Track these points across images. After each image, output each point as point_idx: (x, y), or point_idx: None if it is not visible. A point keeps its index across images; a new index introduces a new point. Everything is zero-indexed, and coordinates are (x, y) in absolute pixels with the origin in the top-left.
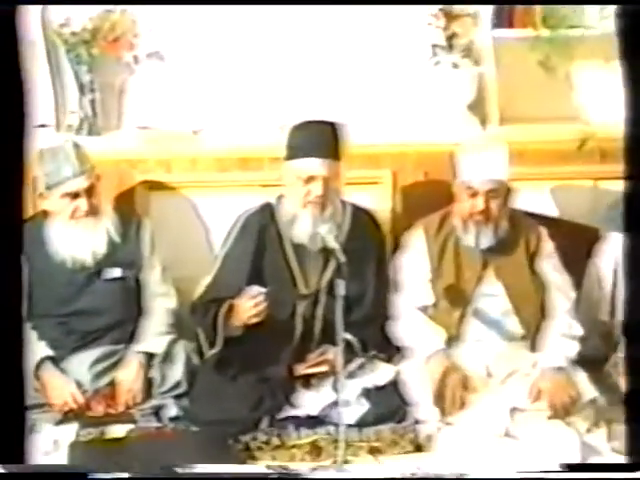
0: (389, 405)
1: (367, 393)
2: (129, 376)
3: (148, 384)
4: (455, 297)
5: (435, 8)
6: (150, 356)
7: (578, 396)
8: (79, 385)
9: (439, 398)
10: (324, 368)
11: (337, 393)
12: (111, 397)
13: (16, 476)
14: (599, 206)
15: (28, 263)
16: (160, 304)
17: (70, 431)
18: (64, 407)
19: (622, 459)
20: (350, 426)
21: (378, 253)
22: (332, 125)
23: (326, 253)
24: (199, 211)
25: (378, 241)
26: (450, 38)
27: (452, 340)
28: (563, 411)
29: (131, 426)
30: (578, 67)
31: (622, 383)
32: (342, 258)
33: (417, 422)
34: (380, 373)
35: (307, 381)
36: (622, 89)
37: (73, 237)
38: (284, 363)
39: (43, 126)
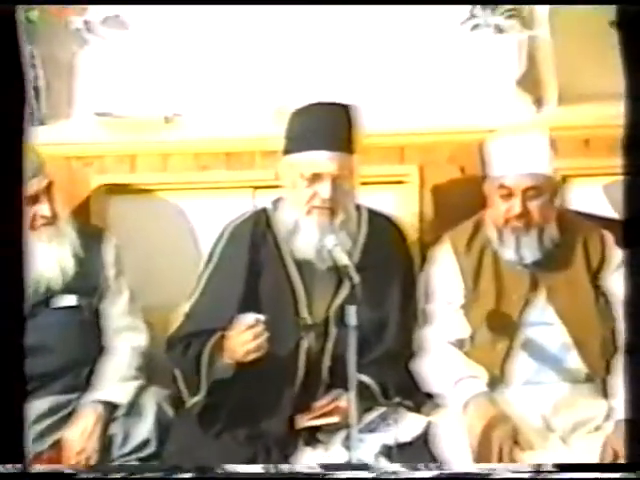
0: None
1: (388, 451)
2: (82, 433)
3: (107, 443)
4: (497, 327)
5: None
6: (111, 407)
7: None
8: None
9: (482, 456)
10: (334, 419)
11: (350, 451)
12: (57, 460)
13: (16, 476)
14: None
15: None
16: (126, 341)
17: None
18: None
19: None
20: None
21: (403, 272)
22: (343, 108)
23: (337, 272)
24: (175, 221)
25: (403, 257)
26: None
27: (496, 382)
28: None
29: None
30: None
31: None
32: (356, 279)
33: None
34: (405, 425)
35: (312, 436)
36: (623, 89)
37: (37, 252)
38: (284, 413)
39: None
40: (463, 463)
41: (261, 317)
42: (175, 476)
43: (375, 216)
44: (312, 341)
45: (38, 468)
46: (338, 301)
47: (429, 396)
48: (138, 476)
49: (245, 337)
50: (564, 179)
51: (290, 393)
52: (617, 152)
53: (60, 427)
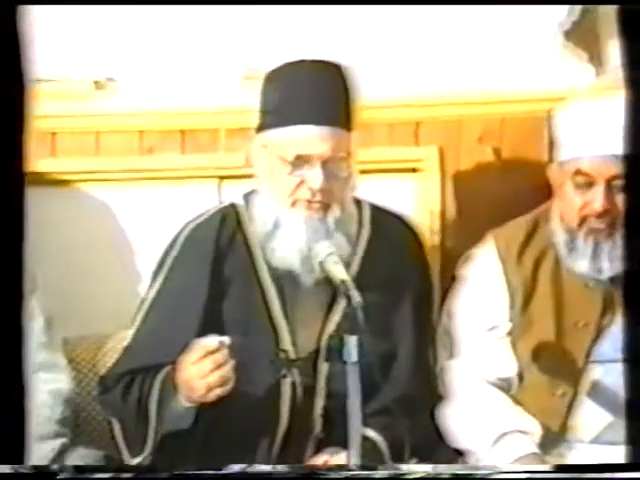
0: None
1: None
2: None
3: None
4: (556, 363)
5: None
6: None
7: None
8: None
9: None
10: None
11: None
12: None
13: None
14: None
15: None
16: (42, 383)
17: None
18: None
19: None
20: None
21: (418, 288)
22: (336, 69)
23: (330, 288)
24: (110, 223)
25: (418, 268)
26: None
27: (553, 439)
28: None
29: None
30: None
31: None
32: (357, 297)
33: None
34: None
35: None
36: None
37: None
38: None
39: None
40: None
41: (225, 339)
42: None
43: (381, 214)
44: (297, 380)
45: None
46: (331, 327)
47: (459, 454)
48: (140, 476)
49: (204, 367)
50: None
51: (269, 449)
52: None
53: None
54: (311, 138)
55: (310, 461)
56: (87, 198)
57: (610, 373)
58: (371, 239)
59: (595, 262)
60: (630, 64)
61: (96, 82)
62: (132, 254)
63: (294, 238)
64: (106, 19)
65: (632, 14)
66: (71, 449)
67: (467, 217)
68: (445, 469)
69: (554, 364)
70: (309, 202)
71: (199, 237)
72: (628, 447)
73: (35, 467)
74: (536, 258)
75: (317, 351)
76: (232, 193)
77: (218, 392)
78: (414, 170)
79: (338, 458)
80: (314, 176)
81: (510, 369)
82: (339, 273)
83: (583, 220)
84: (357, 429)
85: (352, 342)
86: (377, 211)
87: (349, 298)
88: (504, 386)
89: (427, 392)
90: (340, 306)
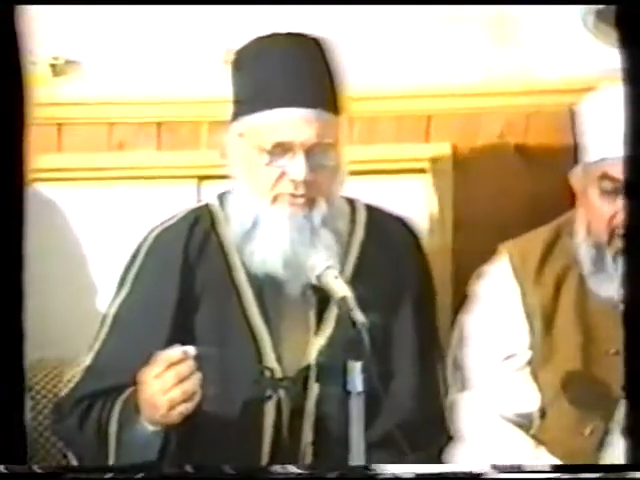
0: None
1: None
2: None
3: None
4: (585, 397)
5: None
6: None
7: None
8: None
9: None
10: None
11: None
12: None
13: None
14: None
15: None
16: None
17: None
18: None
19: None
20: None
21: (422, 305)
22: (315, 44)
23: (320, 298)
24: (69, 228)
25: (420, 277)
26: None
27: None
28: None
29: None
30: None
31: None
32: (360, 318)
33: None
34: None
35: None
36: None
37: None
38: None
39: None
40: None
41: (190, 349)
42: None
43: (378, 217)
44: (283, 403)
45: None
46: (321, 341)
47: None
48: (139, 476)
49: (167, 380)
50: None
51: None
52: None
53: None
54: (291, 123)
55: None
56: (45, 201)
57: None
58: (366, 243)
59: None
60: (630, 65)
61: (54, 65)
62: (97, 265)
63: (276, 238)
64: None
65: (632, 14)
66: None
67: (484, 225)
68: (445, 469)
69: (582, 397)
70: (292, 196)
71: (165, 243)
72: (628, 447)
73: (41, 467)
74: (558, 276)
75: (306, 369)
76: (206, 193)
77: (182, 409)
78: (423, 170)
79: None
80: (296, 166)
81: (531, 403)
82: (340, 289)
83: (612, 232)
84: (358, 463)
85: (356, 369)
86: (373, 212)
87: (351, 318)
88: (524, 423)
89: (437, 427)
90: (332, 317)
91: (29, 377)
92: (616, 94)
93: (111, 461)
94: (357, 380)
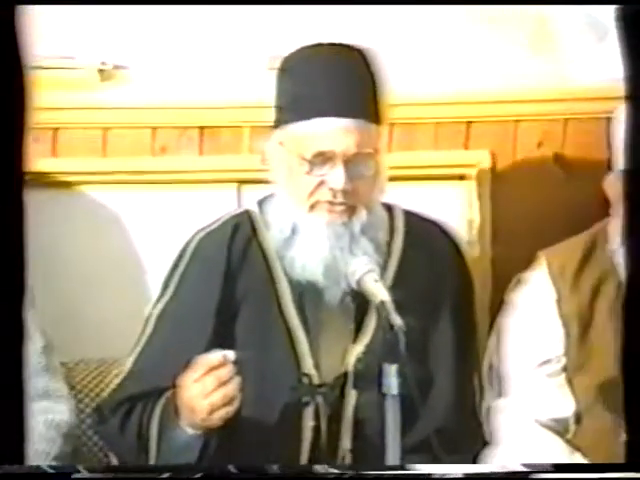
0: None
1: None
2: None
3: None
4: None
5: None
6: None
7: None
8: None
9: None
10: None
11: None
12: None
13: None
14: None
15: None
16: (39, 413)
17: None
18: None
19: None
20: None
21: (460, 307)
22: (360, 55)
23: (358, 303)
24: (114, 231)
25: (461, 283)
26: None
27: None
28: None
29: None
30: None
31: None
32: (398, 321)
33: None
34: None
35: None
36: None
37: None
38: None
39: None
40: None
41: (230, 354)
42: (180, 477)
43: (417, 223)
44: (322, 409)
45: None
46: (359, 349)
47: None
48: (140, 476)
49: (207, 384)
50: None
51: None
52: None
53: None
54: (332, 132)
55: None
56: (92, 203)
57: None
58: (405, 249)
59: None
60: (630, 66)
61: (102, 70)
62: (142, 267)
63: (315, 245)
64: None
65: (632, 14)
66: None
67: (521, 233)
68: (448, 469)
69: (618, 403)
70: (331, 204)
71: (209, 248)
72: (628, 447)
73: (51, 467)
74: (594, 283)
75: (344, 376)
76: (247, 199)
77: (222, 413)
78: (462, 177)
79: None
80: (336, 175)
81: (566, 409)
82: (379, 293)
83: None
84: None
85: (392, 372)
86: (412, 218)
87: (389, 321)
88: (559, 429)
89: (467, 432)
90: (371, 325)
91: (71, 376)
92: None
93: (152, 463)
94: (393, 383)
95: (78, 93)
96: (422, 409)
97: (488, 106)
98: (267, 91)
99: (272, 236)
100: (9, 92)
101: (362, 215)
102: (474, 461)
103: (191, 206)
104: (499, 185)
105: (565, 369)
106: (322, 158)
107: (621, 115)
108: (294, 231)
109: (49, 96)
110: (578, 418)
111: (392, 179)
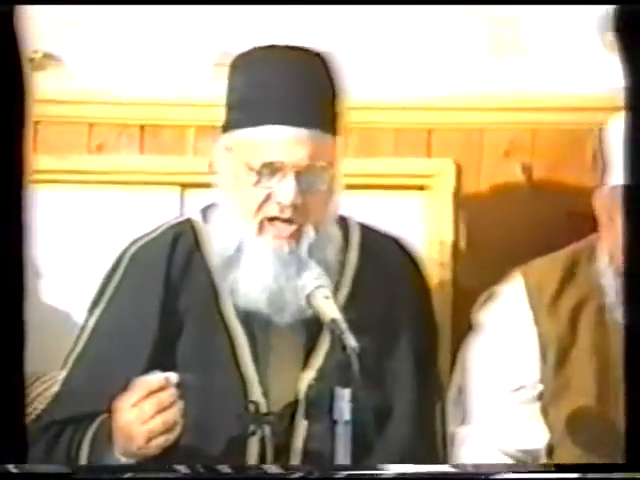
0: None
1: None
2: None
3: None
4: (598, 435)
5: None
6: None
7: None
8: None
9: None
10: None
11: None
12: None
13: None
14: None
15: None
16: None
17: None
18: None
19: None
20: None
21: (419, 328)
22: (318, 59)
23: (311, 329)
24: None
25: (419, 303)
26: None
27: None
28: None
29: None
30: None
31: None
32: (351, 341)
33: None
34: None
35: None
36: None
37: None
38: None
39: None
40: None
41: (172, 376)
42: (176, 476)
43: (374, 238)
44: (268, 439)
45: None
46: (311, 374)
47: None
48: (141, 476)
49: (146, 409)
50: None
51: None
52: None
53: None
54: (283, 142)
55: None
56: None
57: None
58: (360, 266)
59: None
60: (630, 67)
61: (31, 59)
62: (73, 274)
63: (259, 273)
64: None
65: (632, 14)
66: None
67: (486, 250)
68: (446, 469)
69: (594, 436)
70: (280, 221)
71: (147, 258)
72: (628, 447)
73: (51, 467)
74: (575, 304)
75: (294, 404)
76: (190, 207)
77: (161, 441)
78: (422, 187)
79: None
80: (285, 189)
81: (538, 440)
82: (329, 310)
83: None
84: None
85: (345, 396)
86: (368, 232)
87: (341, 342)
88: (528, 461)
89: (431, 461)
90: (323, 348)
91: None
92: None
93: None
94: (345, 408)
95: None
96: (377, 438)
97: (452, 113)
98: (214, 88)
99: (215, 254)
100: (9, 91)
101: (310, 236)
102: None
103: (129, 210)
104: (462, 197)
105: (540, 397)
106: (271, 169)
107: (615, 126)
108: (239, 250)
109: None
110: (550, 450)
111: (348, 187)
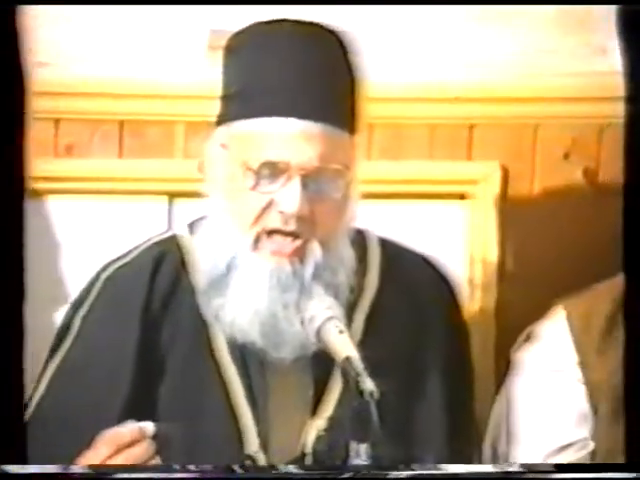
0: None
1: None
2: None
3: None
4: None
5: None
6: None
7: None
8: None
9: None
10: None
11: None
12: None
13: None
14: None
15: None
16: None
17: None
18: None
19: None
20: None
21: (452, 374)
22: (333, 37)
23: (320, 365)
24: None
25: (453, 342)
26: None
27: None
28: None
29: None
30: None
31: None
32: (369, 385)
33: None
34: None
35: None
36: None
37: None
38: None
39: None
40: None
41: (148, 426)
42: (179, 476)
43: (398, 256)
44: None
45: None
46: (320, 423)
47: None
48: (142, 476)
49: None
50: None
51: None
52: None
53: None
54: (288, 138)
55: None
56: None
57: None
58: (380, 292)
59: None
60: (630, 68)
61: None
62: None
63: (250, 296)
64: None
65: (632, 14)
66: None
67: (538, 272)
68: (451, 469)
69: None
70: (283, 235)
71: (125, 283)
72: (628, 447)
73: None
74: None
75: (301, 458)
76: (177, 220)
77: None
78: (462, 196)
79: None
80: (289, 195)
81: None
82: (344, 347)
83: None
84: None
85: (362, 453)
86: (391, 250)
87: (357, 385)
88: None
89: None
90: (335, 392)
91: None
92: None
93: None
94: (362, 467)
95: None
96: None
97: (499, 105)
98: (207, 76)
99: (202, 271)
100: (9, 93)
101: (317, 254)
102: None
103: (106, 225)
104: (511, 208)
105: (593, 457)
106: (272, 170)
107: None
108: (229, 268)
109: None
110: None
111: (370, 196)
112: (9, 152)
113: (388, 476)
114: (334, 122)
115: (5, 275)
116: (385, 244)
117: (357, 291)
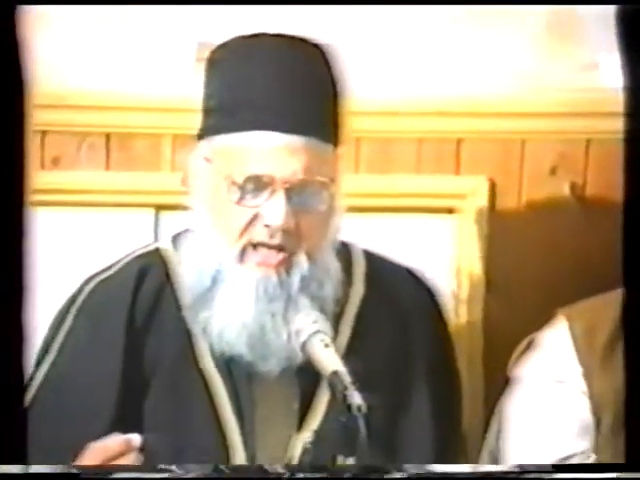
0: None
1: None
2: None
3: None
4: None
5: None
6: None
7: None
8: None
9: None
10: None
11: None
12: None
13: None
14: None
15: None
16: None
17: None
18: None
19: None
20: None
21: (440, 388)
22: (316, 51)
23: (307, 378)
24: None
25: (440, 357)
26: None
27: None
28: None
29: None
30: None
31: None
32: (357, 399)
33: None
34: None
35: None
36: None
37: None
38: None
39: None
40: None
41: (135, 438)
42: (179, 476)
43: (383, 270)
44: None
45: (38, 468)
46: (306, 436)
47: None
48: (142, 476)
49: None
50: None
51: None
52: None
53: None
54: (273, 152)
55: None
56: None
57: None
58: (365, 305)
59: None
60: (630, 68)
61: None
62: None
63: (237, 307)
64: None
65: (632, 14)
66: None
67: (526, 285)
68: (450, 469)
69: None
70: (266, 247)
71: (108, 297)
72: (628, 447)
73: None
74: None
75: (291, 473)
76: (162, 233)
77: None
78: (450, 211)
79: None
80: (274, 208)
81: None
82: (330, 361)
83: None
84: None
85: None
86: (377, 263)
87: (344, 399)
88: None
89: None
90: (321, 405)
91: None
92: None
93: None
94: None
95: None
96: None
97: (486, 119)
98: (195, 89)
99: (187, 284)
100: (9, 99)
101: (303, 266)
102: None
103: (91, 238)
104: (498, 222)
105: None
106: (257, 184)
107: None
108: (215, 281)
109: None
110: None
111: (357, 210)
112: (9, 159)
113: (387, 476)
114: (318, 135)
115: (5, 277)
116: (369, 257)
117: (342, 303)
